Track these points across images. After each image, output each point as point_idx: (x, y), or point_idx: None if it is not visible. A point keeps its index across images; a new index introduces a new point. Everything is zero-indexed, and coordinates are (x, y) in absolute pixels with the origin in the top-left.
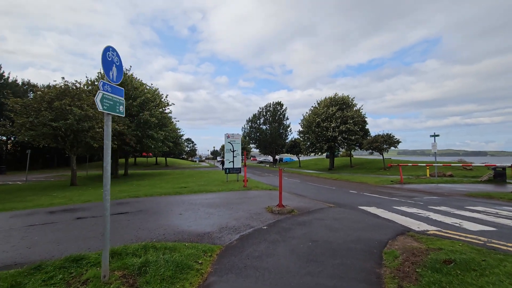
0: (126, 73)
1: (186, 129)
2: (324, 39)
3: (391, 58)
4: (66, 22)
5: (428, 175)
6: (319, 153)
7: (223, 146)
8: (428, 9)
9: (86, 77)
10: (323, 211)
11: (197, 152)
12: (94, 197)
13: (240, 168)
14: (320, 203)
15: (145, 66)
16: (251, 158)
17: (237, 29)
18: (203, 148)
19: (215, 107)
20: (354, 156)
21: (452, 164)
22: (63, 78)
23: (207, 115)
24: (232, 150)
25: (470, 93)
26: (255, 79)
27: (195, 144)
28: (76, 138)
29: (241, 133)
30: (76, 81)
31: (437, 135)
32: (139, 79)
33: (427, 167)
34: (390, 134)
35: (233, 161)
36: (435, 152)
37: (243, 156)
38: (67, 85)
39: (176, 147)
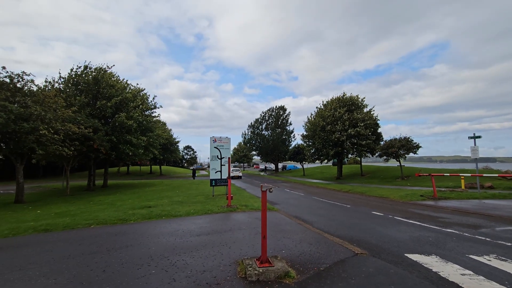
0: (102, 69)
1: (190, 136)
2: (331, 45)
3: (398, 63)
4: (73, 31)
5: (463, 187)
6: (326, 160)
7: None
8: (437, 13)
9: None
10: (348, 273)
11: (197, 160)
12: (15, 228)
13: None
14: (338, 243)
15: (151, 74)
16: (254, 165)
17: (243, 36)
18: (207, 156)
19: (220, 115)
20: (363, 164)
21: (484, 174)
22: (3, 67)
23: (212, 123)
24: (219, 157)
25: (480, 98)
26: (260, 86)
27: (195, 152)
28: (17, 143)
29: (241, 139)
30: (24, 72)
31: (478, 137)
32: (118, 77)
33: (462, 178)
34: (408, 137)
35: (220, 171)
36: (475, 159)
37: (237, 168)
38: (12, 76)
39: (171, 154)
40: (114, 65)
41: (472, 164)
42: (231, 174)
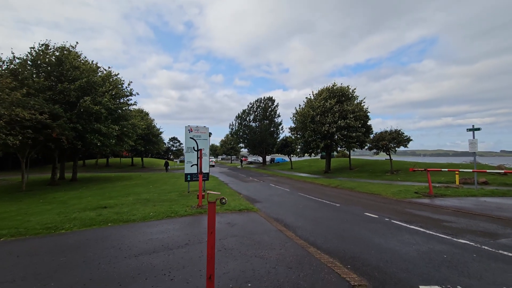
0: (65, 49)
1: (180, 128)
2: (323, 37)
3: (388, 57)
4: (54, 15)
5: (457, 183)
6: (315, 153)
7: (211, 146)
8: (429, 7)
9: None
10: None
11: (184, 152)
12: None
13: (207, 173)
14: (328, 265)
15: (138, 64)
16: (242, 158)
17: (234, 25)
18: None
19: (210, 107)
20: (351, 157)
21: (485, 170)
22: None
23: (201, 114)
24: (196, 149)
25: (465, 94)
26: (251, 77)
27: (181, 144)
28: None
29: (228, 130)
30: None
31: (478, 129)
32: (85, 58)
33: (457, 173)
34: (399, 130)
35: (197, 164)
36: (474, 152)
37: (212, 157)
38: None
39: (153, 146)
40: (78, 43)
41: (454, 158)
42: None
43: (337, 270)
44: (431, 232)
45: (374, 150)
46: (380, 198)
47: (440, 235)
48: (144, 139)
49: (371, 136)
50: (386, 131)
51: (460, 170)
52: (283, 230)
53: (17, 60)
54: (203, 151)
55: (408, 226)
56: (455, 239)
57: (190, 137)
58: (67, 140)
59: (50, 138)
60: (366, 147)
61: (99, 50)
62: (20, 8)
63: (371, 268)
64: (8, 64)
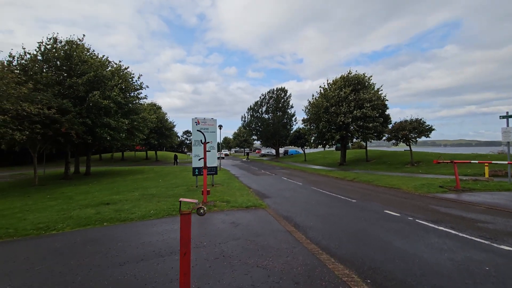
0: (73, 42)
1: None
2: (338, 24)
3: (407, 44)
4: (71, 13)
5: (487, 175)
6: (330, 145)
7: (225, 139)
8: None
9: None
10: None
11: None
12: None
13: (215, 167)
14: (343, 279)
15: (153, 58)
16: (256, 151)
17: (247, 16)
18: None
19: (223, 99)
20: (368, 148)
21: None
22: None
23: (215, 107)
24: (203, 141)
25: (490, 80)
26: (264, 69)
27: None
28: None
29: (240, 123)
30: None
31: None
32: (94, 52)
33: (486, 165)
34: (420, 119)
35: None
36: (508, 142)
37: (226, 150)
38: None
39: (166, 140)
40: (84, 35)
41: (478, 148)
42: (218, 156)
43: (354, 287)
44: (464, 235)
45: (393, 141)
46: (401, 192)
47: (476, 239)
48: (157, 133)
49: (390, 126)
50: (406, 121)
51: (492, 162)
52: (292, 231)
53: (28, 56)
54: (211, 144)
55: (436, 227)
56: (495, 245)
57: (198, 130)
58: (77, 135)
59: (60, 133)
60: (384, 138)
61: (115, 46)
62: (39, 7)
63: (397, 284)
64: (18, 59)
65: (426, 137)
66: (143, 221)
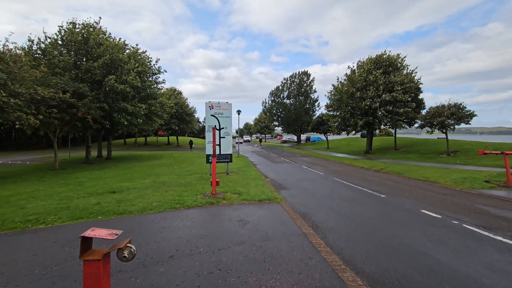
0: (90, 25)
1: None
2: (368, 2)
3: (445, 22)
4: (99, 0)
5: None
6: (354, 132)
7: (246, 125)
8: None
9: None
10: None
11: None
12: None
13: (230, 155)
14: None
15: (176, 44)
16: (277, 137)
17: None
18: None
19: (245, 85)
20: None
21: None
22: None
23: (237, 93)
24: (218, 127)
25: None
26: (288, 53)
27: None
28: None
29: (260, 108)
30: None
31: None
32: (110, 35)
33: None
34: (460, 104)
35: (219, 145)
36: None
37: (247, 136)
38: None
39: (186, 125)
40: (100, 18)
41: None
42: (236, 142)
43: None
44: None
45: (427, 128)
46: (438, 187)
47: None
48: (177, 118)
49: (423, 112)
50: (443, 105)
51: None
52: (310, 233)
53: (49, 40)
54: (225, 130)
55: (491, 236)
56: None
57: (211, 115)
58: (93, 120)
59: (76, 117)
60: (416, 125)
61: (140, 32)
62: None
63: None
64: (38, 43)
65: (466, 124)
66: (141, 215)
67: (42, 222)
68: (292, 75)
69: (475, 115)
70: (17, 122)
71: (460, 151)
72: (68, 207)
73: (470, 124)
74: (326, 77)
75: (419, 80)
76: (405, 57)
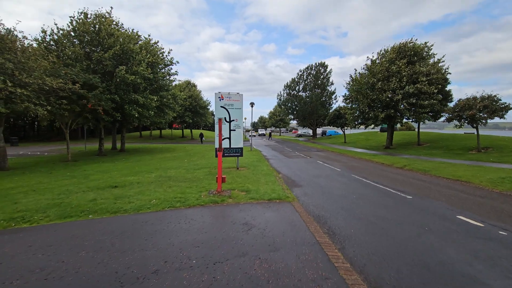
0: (102, 16)
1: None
2: None
3: (473, 10)
4: None
5: None
6: (373, 126)
7: (260, 118)
8: None
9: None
10: None
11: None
12: None
13: (240, 148)
14: None
15: (193, 38)
16: (293, 131)
17: None
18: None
19: (261, 78)
20: (416, 130)
21: None
22: None
23: (253, 86)
24: (228, 119)
25: None
26: (305, 45)
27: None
28: None
29: (276, 101)
30: None
31: None
32: (122, 25)
33: None
34: (494, 96)
35: (229, 138)
36: None
37: (263, 130)
38: None
39: (200, 118)
40: (112, 8)
41: None
42: (250, 135)
43: None
44: None
45: (454, 122)
46: (473, 188)
47: None
48: (191, 111)
49: (450, 104)
50: (475, 97)
51: None
52: (325, 243)
53: (61, 32)
54: (236, 122)
55: None
56: None
57: (221, 106)
58: (104, 111)
59: (87, 109)
60: (443, 118)
61: (157, 26)
62: None
63: None
64: (51, 34)
65: (500, 118)
66: (136, 215)
67: (27, 220)
68: (308, 66)
69: (511, 108)
70: (31, 113)
71: (493, 148)
72: (61, 203)
73: (504, 118)
74: (344, 70)
75: (447, 70)
76: (432, 45)
